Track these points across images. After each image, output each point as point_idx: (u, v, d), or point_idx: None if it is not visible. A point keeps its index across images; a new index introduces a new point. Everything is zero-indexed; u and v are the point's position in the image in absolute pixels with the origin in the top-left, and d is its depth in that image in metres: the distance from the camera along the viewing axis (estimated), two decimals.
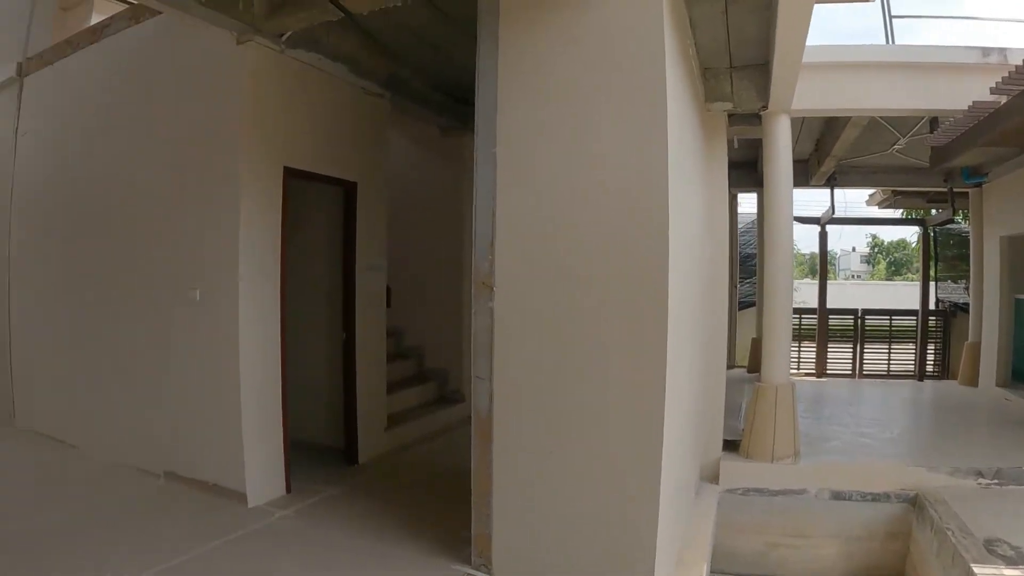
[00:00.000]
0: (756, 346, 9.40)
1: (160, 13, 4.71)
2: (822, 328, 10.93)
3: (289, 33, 4.41)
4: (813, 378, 10.53)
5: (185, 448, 4.82)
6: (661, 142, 3.20)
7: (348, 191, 5.42)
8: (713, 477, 5.40)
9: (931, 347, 11.06)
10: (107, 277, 5.46)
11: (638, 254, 3.22)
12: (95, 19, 6.37)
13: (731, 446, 5.66)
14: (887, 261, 36.85)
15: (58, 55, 6.08)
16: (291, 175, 4.74)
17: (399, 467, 5.52)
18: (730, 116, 5.66)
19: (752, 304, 10.84)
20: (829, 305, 11.16)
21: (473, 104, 3.62)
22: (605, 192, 3.30)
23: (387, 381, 5.99)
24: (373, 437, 5.66)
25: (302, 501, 4.56)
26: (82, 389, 5.72)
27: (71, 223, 5.87)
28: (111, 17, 5.59)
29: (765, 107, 5.34)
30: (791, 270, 5.79)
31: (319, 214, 5.84)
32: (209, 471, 4.63)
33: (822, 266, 11.65)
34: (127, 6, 5.86)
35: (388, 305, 6.06)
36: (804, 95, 5.46)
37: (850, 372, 11.03)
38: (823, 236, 11.02)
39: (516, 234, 3.48)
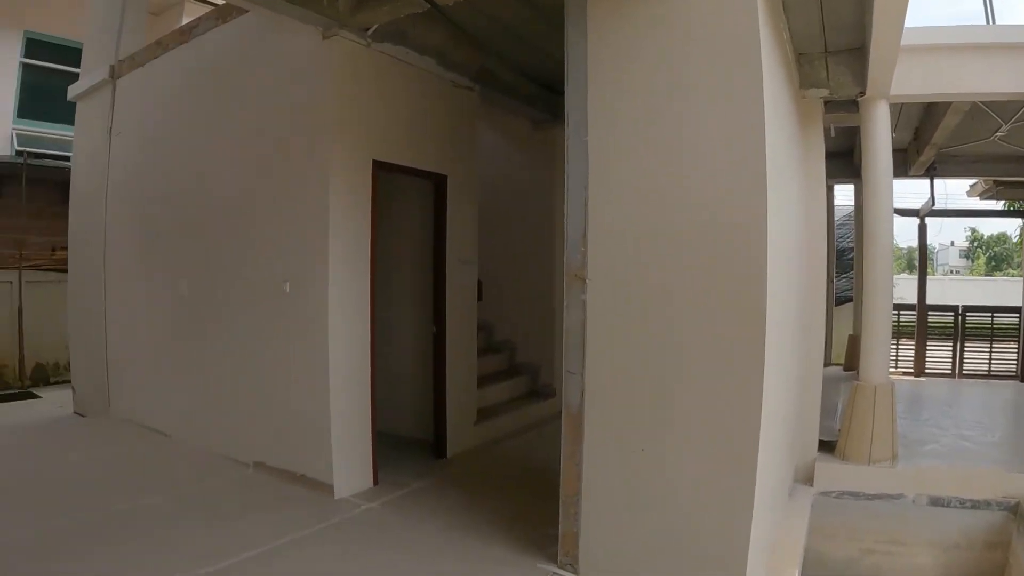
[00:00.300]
0: (853, 343, 9.00)
1: (247, 12, 4.82)
2: (921, 325, 10.37)
3: (375, 27, 4.43)
4: (911, 377, 10.01)
5: (274, 439, 4.93)
6: (758, 128, 3.04)
7: (438, 184, 5.43)
8: (807, 479, 5.18)
9: None
10: (199, 272, 5.63)
11: (735, 246, 3.07)
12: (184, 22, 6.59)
13: (827, 447, 5.41)
14: (987, 256, 35.32)
15: (148, 57, 6.29)
16: (380, 168, 4.77)
17: (488, 462, 5.50)
18: (826, 103, 5.41)
19: (849, 300, 10.42)
20: (928, 302, 10.59)
21: (564, 94, 3.54)
22: (701, 181, 3.16)
23: (478, 375, 5.99)
24: (462, 431, 5.67)
25: (389, 494, 4.59)
26: (174, 380, 5.93)
27: (163, 219, 6.07)
28: (199, 18, 5.74)
29: (863, 93, 5.08)
30: (891, 264, 5.50)
31: (409, 207, 5.89)
32: (297, 462, 4.72)
33: (921, 260, 11.05)
34: (214, 7, 6.03)
35: (479, 299, 6.05)
36: (902, 80, 5.15)
37: (949, 371, 10.44)
38: (922, 229, 10.46)
39: (609, 225, 3.39)
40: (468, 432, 5.75)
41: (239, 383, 5.22)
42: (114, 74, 6.80)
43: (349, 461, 4.57)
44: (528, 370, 7.29)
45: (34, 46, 10.45)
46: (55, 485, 4.70)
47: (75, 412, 7.43)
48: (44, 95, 10.16)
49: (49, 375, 9.65)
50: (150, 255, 6.27)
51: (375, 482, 4.74)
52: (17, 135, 9.96)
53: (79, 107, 7.58)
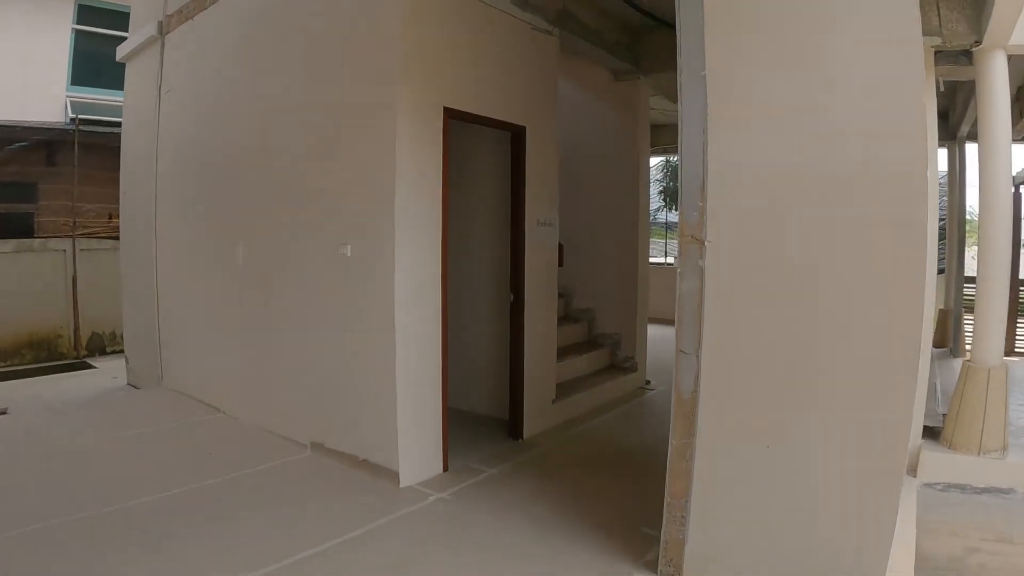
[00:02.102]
0: (944, 317, 8.31)
1: None
2: (1013, 302, 9.45)
3: None
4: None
5: (333, 418, 4.51)
6: (915, 67, 2.49)
7: (516, 136, 4.90)
8: (911, 468, 4.60)
9: None
10: (254, 237, 5.21)
11: (889, 206, 2.49)
12: None
13: (930, 433, 4.83)
14: None
15: (197, 8, 5.87)
16: (452, 117, 4.25)
17: (568, 444, 4.99)
18: (936, 54, 4.72)
19: (941, 271, 9.62)
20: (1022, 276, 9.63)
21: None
22: (846, 127, 2.57)
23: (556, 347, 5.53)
24: (540, 410, 5.18)
25: (460, 482, 4.13)
26: (226, 352, 5.58)
27: (215, 181, 5.69)
28: None
29: (978, 42, 4.39)
30: (1009, 237, 4.86)
31: (484, 163, 5.41)
32: (358, 445, 4.29)
33: (1016, 232, 10.08)
34: None
35: (560, 264, 5.53)
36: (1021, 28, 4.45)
37: None
38: (1018, 198, 9.49)
39: (733, 177, 2.80)
40: (546, 411, 5.26)
41: (296, 357, 4.81)
42: (162, 30, 6.43)
43: (417, 445, 4.12)
44: (608, 341, 6.77)
45: (86, 12, 10.27)
46: (105, 467, 4.38)
47: (128, 383, 7.27)
48: (97, 61, 9.95)
49: (105, 344, 9.56)
50: (202, 220, 5.90)
51: (445, 467, 4.29)
52: (72, 103, 9.80)
53: (128, 68, 7.28)
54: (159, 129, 6.47)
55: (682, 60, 2.93)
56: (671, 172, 13.43)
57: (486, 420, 5.37)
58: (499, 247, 5.22)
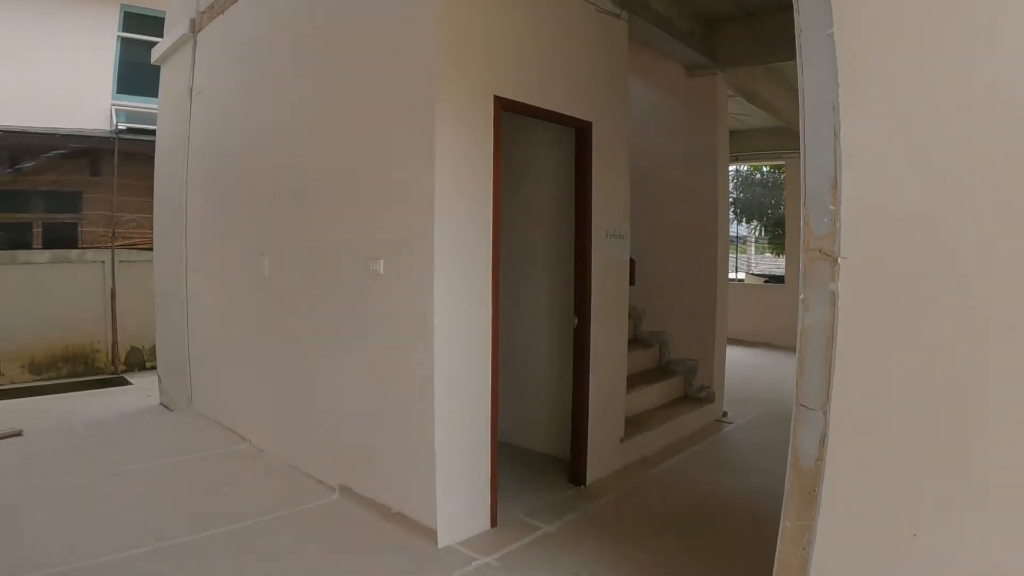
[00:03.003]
0: None
1: None
2: None
3: None
4: None
5: (364, 460, 3.88)
6: None
7: (581, 133, 4.23)
8: None
9: None
10: (281, 248, 4.65)
11: None
12: None
13: None
14: None
15: (228, 2, 5.42)
16: (505, 109, 3.60)
17: (639, 493, 4.24)
18: None
19: None
20: None
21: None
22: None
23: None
24: (606, 449, 4.46)
25: (510, 542, 3.43)
26: (254, 377, 5.04)
27: (243, 186, 5.17)
28: None
29: None
30: None
31: (542, 163, 4.76)
32: (391, 492, 3.65)
33: None
34: None
35: (631, 283, 4.82)
36: None
37: None
38: None
39: (877, 168, 2.08)
40: (613, 451, 4.54)
41: (324, 387, 4.22)
42: (194, 27, 6.01)
43: (459, 497, 3.45)
44: (682, 368, 6.01)
45: (132, 19, 10.11)
46: (92, 510, 3.79)
47: (161, 403, 6.85)
48: (142, 69, 9.72)
49: (145, 360, 9.26)
50: (230, 230, 5.39)
51: (493, 522, 3.61)
52: (117, 111, 9.61)
53: (163, 70, 6.90)
54: (190, 133, 6.04)
55: (801, 17, 2.23)
56: (741, 182, 12.69)
57: (542, 460, 4.69)
58: (562, 262, 4.55)
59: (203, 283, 5.88)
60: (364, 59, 3.81)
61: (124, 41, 10.07)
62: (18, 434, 5.32)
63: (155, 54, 6.91)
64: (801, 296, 2.18)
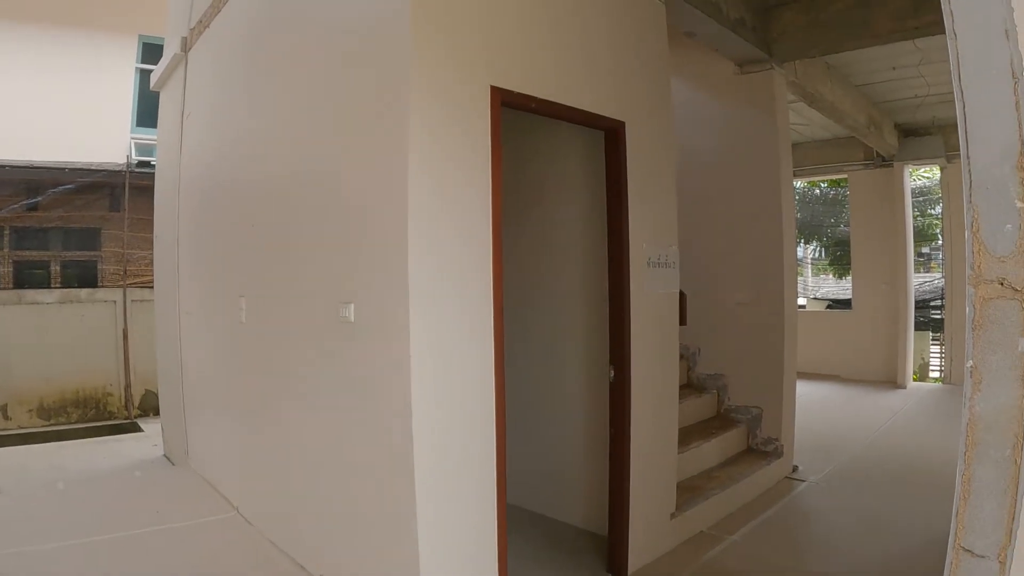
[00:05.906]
0: None
1: None
2: None
3: None
4: None
5: (344, 546, 3.11)
6: None
7: (612, 136, 3.41)
8: None
9: None
10: (256, 289, 3.97)
11: None
12: None
13: None
14: None
15: (213, 14, 4.84)
16: (508, 104, 2.82)
17: None
18: None
19: None
20: None
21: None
22: None
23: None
24: (653, 526, 3.59)
25: None
26: (237, 435, 4.36)
27: (222, 218, 4.53)
28: None
29: None
30: None
31: (563, 174, 3.97)
32: None
33: None
34: None
35: (682, 322, 3.97)
36: None
37: None
38: None
39: None
40: (662, 528, 3.67)
41: (299, 456, 3.48)
42: (185, 46, 5.47)
43: None
44: (744, 416, 5.13)
45: (150, 50, 9.80)
46: None
47: (164, 455, 6.27)
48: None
49: (159, 404, 8.72)
50: (212, 268, 4.76)
51: None
52: (136, 144, 9.26)
53: (161, 96, 6.42)
54: (181, 160, 5.47)
55: None
56: (798, 200, 11.69)
57: (575, 535, 3.86)
58: (591, 299, 3.75)
59: (194, 326, 5.25)
60: (328, 54, 3.11)
61: (143, 73, 9.76)
62: None
63: (153, 79, 6.45)
64: (969, 363, 1.31)
